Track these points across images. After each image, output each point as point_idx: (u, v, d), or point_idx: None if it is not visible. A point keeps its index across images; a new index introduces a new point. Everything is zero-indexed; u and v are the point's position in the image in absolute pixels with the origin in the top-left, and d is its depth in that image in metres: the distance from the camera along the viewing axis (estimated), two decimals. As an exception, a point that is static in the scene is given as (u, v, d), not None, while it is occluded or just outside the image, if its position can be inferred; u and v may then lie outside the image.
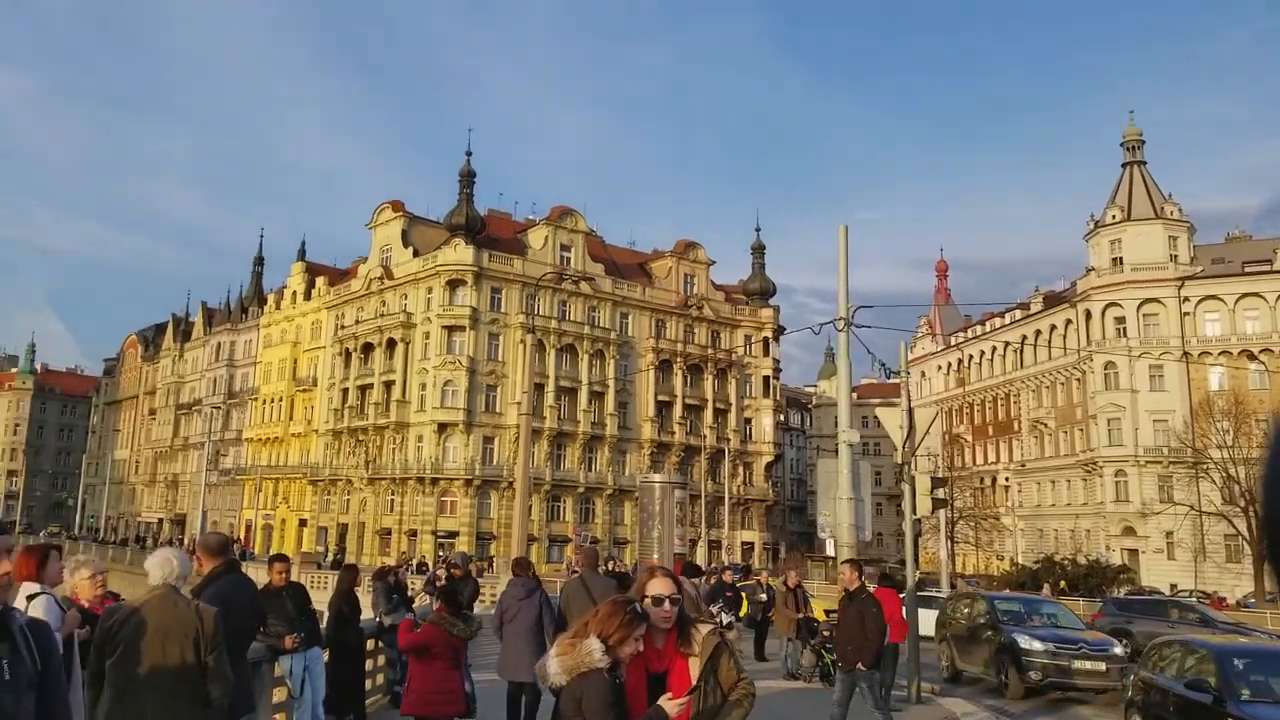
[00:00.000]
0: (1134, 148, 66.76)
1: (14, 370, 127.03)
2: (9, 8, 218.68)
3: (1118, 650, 15.19)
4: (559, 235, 66.81)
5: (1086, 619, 20.86)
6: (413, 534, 60.36)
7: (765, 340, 74.34)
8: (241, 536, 70.52)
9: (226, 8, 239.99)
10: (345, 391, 67.90)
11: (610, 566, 21.73)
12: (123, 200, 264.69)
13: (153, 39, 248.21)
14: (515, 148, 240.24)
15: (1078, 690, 14.95)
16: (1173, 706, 9.05)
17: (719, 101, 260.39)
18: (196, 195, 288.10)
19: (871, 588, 11.49)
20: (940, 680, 16.14)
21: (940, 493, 17.13)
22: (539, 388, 59.39)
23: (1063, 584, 44.45)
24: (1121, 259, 64.03)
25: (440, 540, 58.31)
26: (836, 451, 14.39)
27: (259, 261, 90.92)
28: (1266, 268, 61.50)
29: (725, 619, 14.19)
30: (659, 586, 3.58)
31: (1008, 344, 75.61)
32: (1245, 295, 60.92)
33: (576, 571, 9.73)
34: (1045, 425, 70.13)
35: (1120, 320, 63.23)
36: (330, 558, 57.30)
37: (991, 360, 78.77)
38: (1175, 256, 63.46)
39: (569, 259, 66.14)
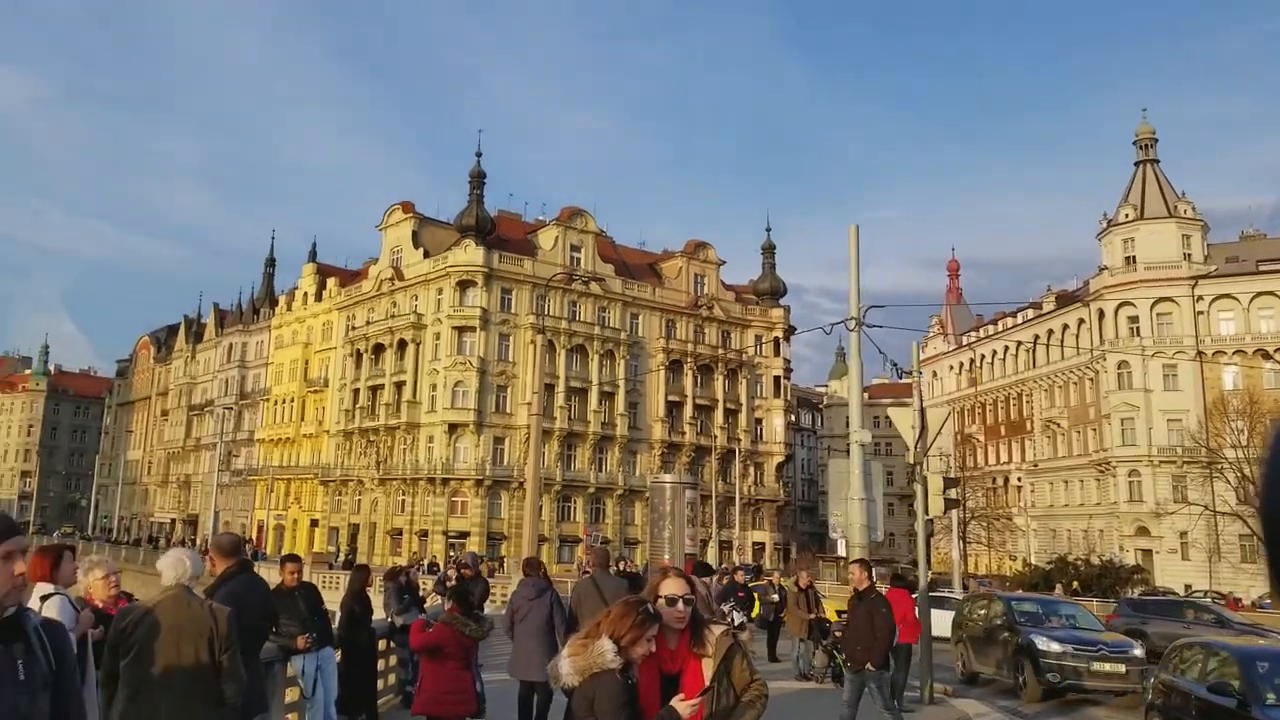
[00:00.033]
0: (1146, 146, 66.37)
1: (28, 372, 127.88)
2: (18, 10, 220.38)
3: (1137, 652, 14.96)
4: (569, 236, 66.88)
5: (1101, 620, 20.70)
6: (424, 534, 60.52)
7: (776, 340, 74.23)
8: (253, 537, 70.80)
9: (234, 9, 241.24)
10: (356, 392, 68.13)
11: (621, 567, 21.72)
12: (135, 202, 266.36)
13: (162, 41, 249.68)
14: (525, 149, 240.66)
15: (1096, 693, 14.74)
16: (1195, 710, 8.89)
17: (728, 101, 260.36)
18: (208, 197, 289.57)
19: (884, 588, 11.44)
20: (957, 682, 16.05)
21: (952, 493, 17.04)
22: (549, 388, 59.47)
23: (1075, 584, 44.23)
24: (1134, 258, 63.67)
25: (451, 540, 58.44)
26: (848, 452, 14.35)
27: (270, 263, 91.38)
28: (1281, 266, 61.10)
29: (737, 619, 14.16)
30: (673, 587, 3.57)
31: (1020, 343, 75.29)
32: (1260, 294, 60.49)
33: (588, 572, 9.73)
34: (1058, 425, 69.81)
35: (1133, 319, 62.89)
36: (342, 558, 57.52)
37: (1004, 360, 78.46)
38: (1189, 255, 63.07)
39: (579, 259, 66.19)
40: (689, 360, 69.35)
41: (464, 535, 59.27)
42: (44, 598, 4.52)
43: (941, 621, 18.48)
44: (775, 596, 19.48)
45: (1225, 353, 60.21)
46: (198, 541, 67.35)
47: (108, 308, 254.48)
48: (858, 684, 10.23)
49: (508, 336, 63.12)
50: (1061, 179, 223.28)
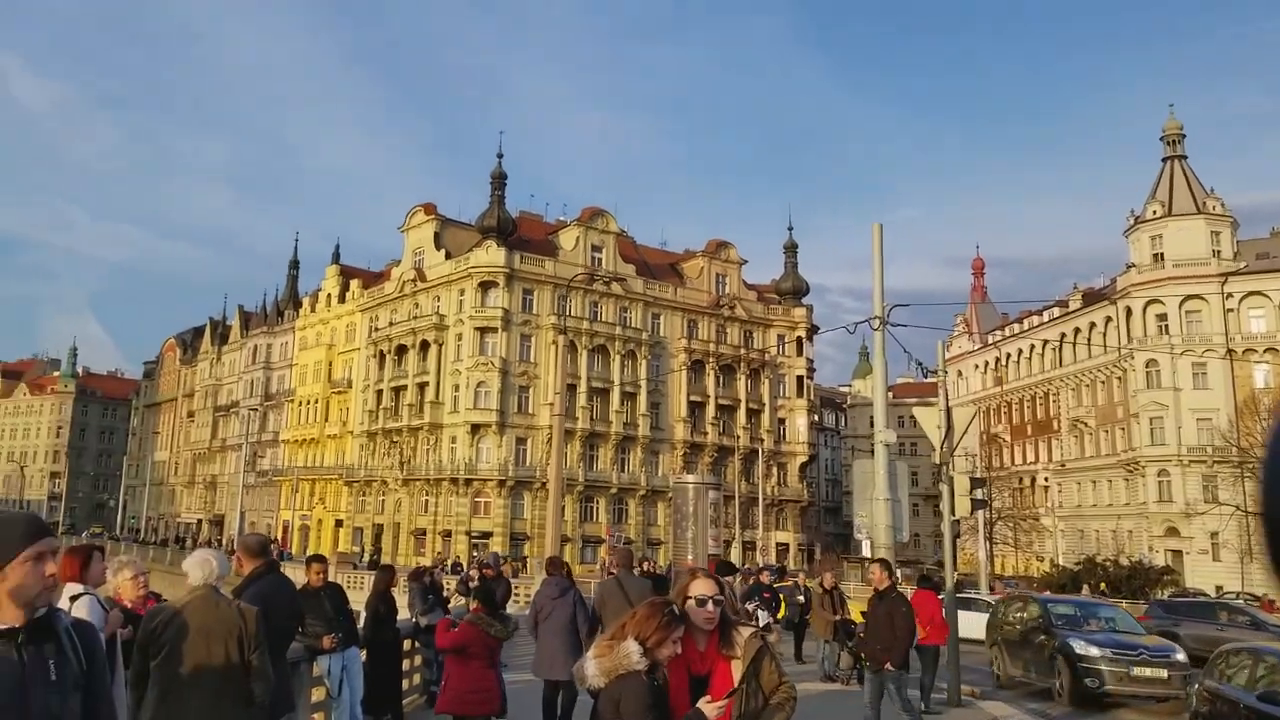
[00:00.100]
0: (1174, 142, 65.53)
1: (56, 374, 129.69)
2: (43, 16, 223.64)
3: (1179, 657, 14.39)
4: (590, 236, 66.96)
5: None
6: (447, 534, 60.77)
7: (799, 340, 73.95)
8: (279, 537, 71.40)
9: (258, 14, 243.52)
10: (379, 393, 68.55)
11: (645, 567, 21.69)
12: (160, 206, 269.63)
13: (187, 47, 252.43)
14: (546, 150, 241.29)
15: (1137, 699, 14.23)
16: (1243, 719, 8.69)
17: (749, 100, 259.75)
18: (232, 200, 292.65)
19: (911, 589, 11.35)
20: (993, 686, 15.79)
21: (979, 493, 16.87)
22: (571, 389, 59.55)
23: (1103, 586, 43.67)
24: (1163, 255, 62.90)
25: (474, 541, 58.66)
26: (872, 452, 14.25)
27: (294, 265, 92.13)
28: (1313, 263, 60.16)
29: (762, 618, 14.10)
30: (702, 587, 3.54)
31: (1046, 342, 74.54)
32: (1291, 291, 59.60)
33: (612, 572, 9.71)
34: (1085, 424, 69.08)
35: (1162, 317, 62.17)
36: (366, 558, 57.85)
37: (1030, 359, 77.76)
38: (1218, 252, 62.22)
39: (600, 260, 66.25)
40: (711, 360, 69.21)
41: (487, 535, 59.47)
42: (73, 598, 4.55)
43: (967, 623, 18.28)
44: (801, 598, 19.37)
45: (1256, 350, 59.37)
46: (224, 542, 68.07)
47: (134, 310, 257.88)
48: (877, 684, 10.17)
49: (529, 337, 63.29)
50: (1088, 176, 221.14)
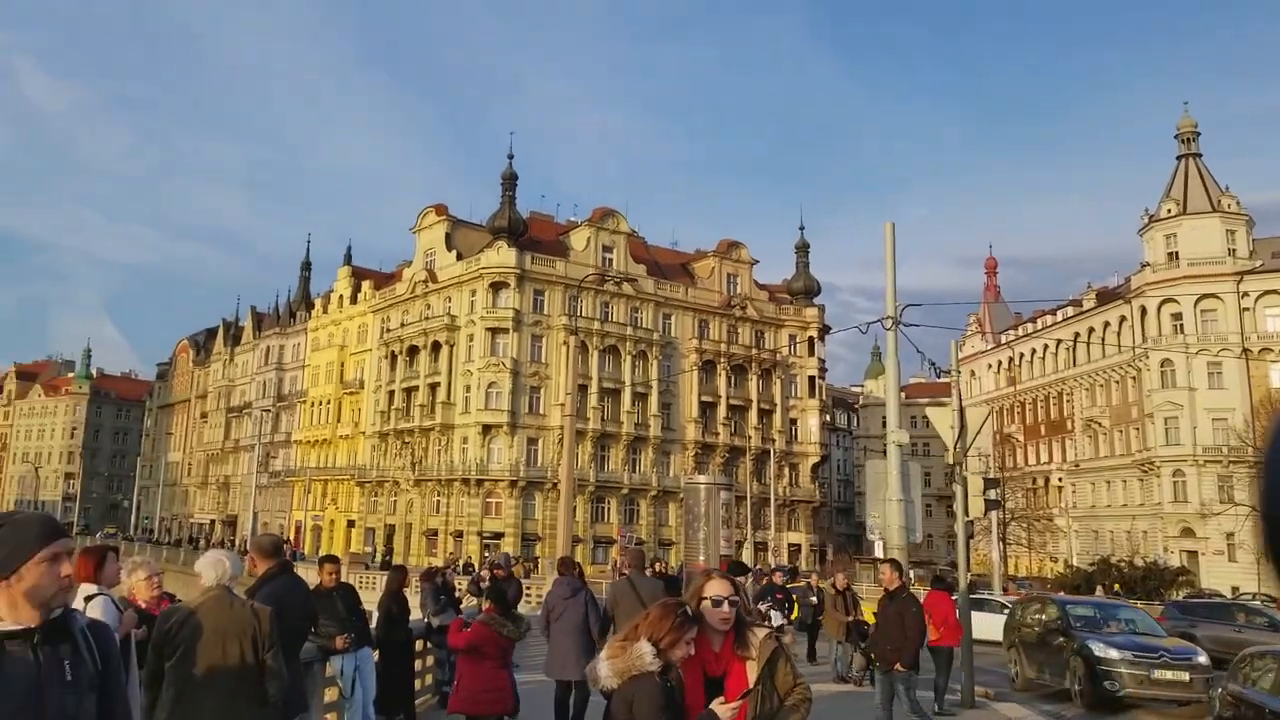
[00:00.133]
0: (1188, 140, 65.10)
1: (71, 375, 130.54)
2: (59, 19, 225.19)
3: (1201, 659, 14.06)
4: (601, 236, 66.98)
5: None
6: (458, 535, 60.87)
7: (810, 340, 73.78)
8: (291, 537, 71.70)
9: (270, 17, 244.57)
10: (391, 394, 68.72)
11: (656, 568, 21.67)
12: (174, 208, 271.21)
13: (200, 49, 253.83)
14: (557, 150, 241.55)
15: (1158, 702, 13.91)
16: None
17: (759, 100, 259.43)
18: (245, 202, 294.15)
19: (925, 590, 11.32)
20: (1010, 689, 15.63)
21: (992, 494, 16.78)
22: (582, 389, 59.55)
23: (1117, 587, 43.43)
24: (1177, 254, 62.50)
25: (486, 541, 58.75)
26: (885, 452, 14.18)
27: (306, 266, 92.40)
28: (1330, 261, 59.65)
29: (775, 618, 14.06)
30: (717, 588, 3.52)
31: (1059, 341, 74.15)
32: (1308, 290, 59.13)
33: (624, 573, 9.70)
34: (1099, 424, 68.70)
35: (1177, 316, 61.78)
36: (378, 559, 58.02)
37: (1043, 358, 77.39)
38: (1233, 251, 61.77)
39: (611, 260, 66.26)
40: (722, 360, 69.13)
41: (498, 536, 59.54)
42: (88, 598, 4.57)
43: (981, 624, 18.16)
44: (814, 599, 19.31)
45: (1272, 350, 58.94)
46: (237, 542, 68.43)
47: (148, 312, 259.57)
48: (888, 684, 10.14)
49: (540, 338, 63.36)
50: (1102, 175, 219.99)
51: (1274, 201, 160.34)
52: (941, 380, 23.47)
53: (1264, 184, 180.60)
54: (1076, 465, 70.60)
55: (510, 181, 64.51)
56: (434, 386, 64.89)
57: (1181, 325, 61.16)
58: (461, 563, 47.16)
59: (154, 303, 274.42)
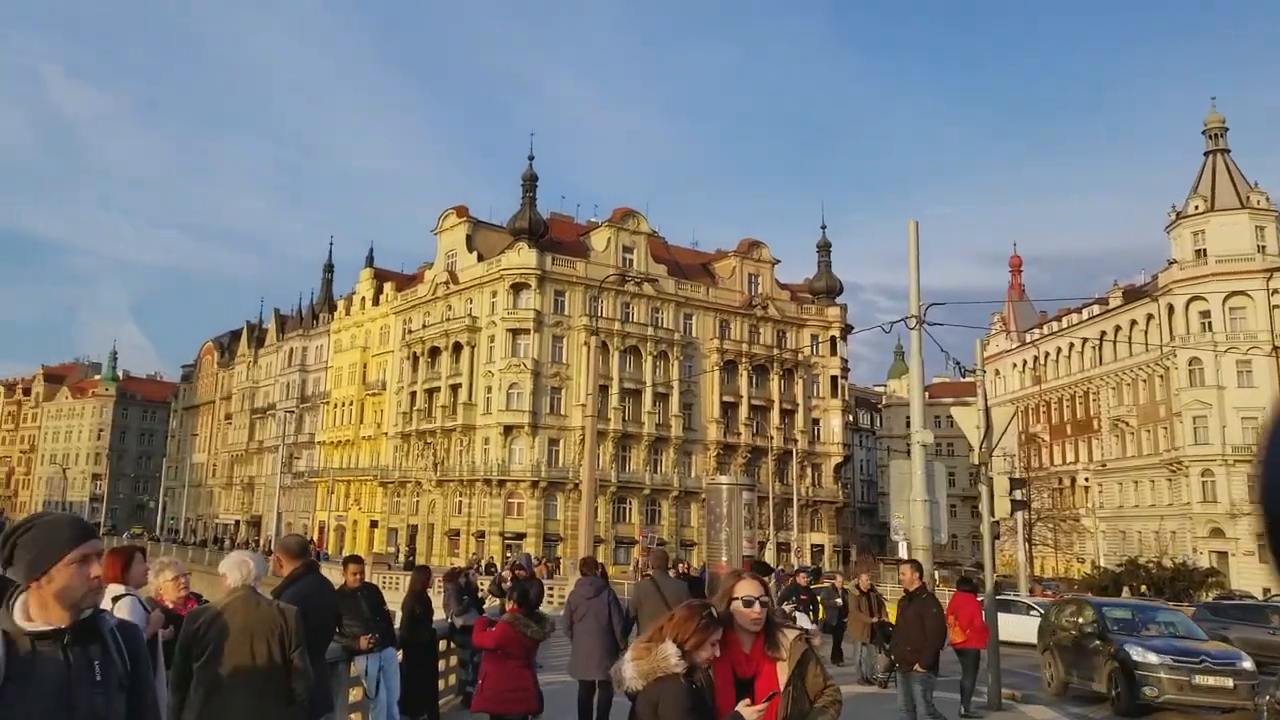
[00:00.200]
0: (1216, 135, 64.30)
1: (97, 378, 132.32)
2: (85, 26, 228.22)
3: (1246, 665, 13.37)
4: (621, 237, 67.03)
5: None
6: (480, 535, 61.11)
7: (832, 339, 73.49)
8: (315, 538, 72.27)
9: (291, 21, 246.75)
10: (413, 395, 69.10)
11: (679, 569, 21.63)
12: (198, 212, 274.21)
13: (222, 53, 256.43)
14: (577, 151, 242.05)
15: (1200, 709, 13.39)
16: None
17: (780, 98, 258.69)
18: (268, 205, 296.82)
19: (950, 592, 11.22)
20: (1049, 695, 15.41)
21: (1018, 494, 16.61)
22: (603, 390, 59.60)
23: (1144, 588, 42.94)
24: (1205, 250, 61.76)
25: (508, 542, 58.92)
26: (909, 452, 14.08)
27: (329, 269, 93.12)
28: (1362, 257, 58.71)
29: (800, 619, 13.99)
30: (748, 588, 3.50)
31: (1086, 340, 73.42)
32: (1340, 286, 58.24)
33: (648, 574, 9.68)
34: (1127, 424, 67.98)
35: (1205, 314, 61.07)
36: (401, 559, 58.32)
37: (1069, 357, 76.69)
38: (1263, 247, 60.97)
39: (631, 260, 66.29)
40: (744, 360, 68.98)
41: (520, 536, 59.71)
42: (115, 599, 4.60)
43: (1007, 626, 17.99)
44: (839, 600, 19.20)
45: (1303, 347, 58.04)
46: (261, 542, 68.96)
47: (172, 315, 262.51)
48: (908, 685, 10.08)
49: (561, 338, 63.48)
50: (1127, 171, 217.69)
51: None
52: (966, 380, 23.26)
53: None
54: (1103, 465, 69.90)
55: (530, 183, 64.72)
56: (455, 387, 65.18)
57: (1210, 323, 60.46)
58: (483, 563, 47.38)
59: (179, 305, 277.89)
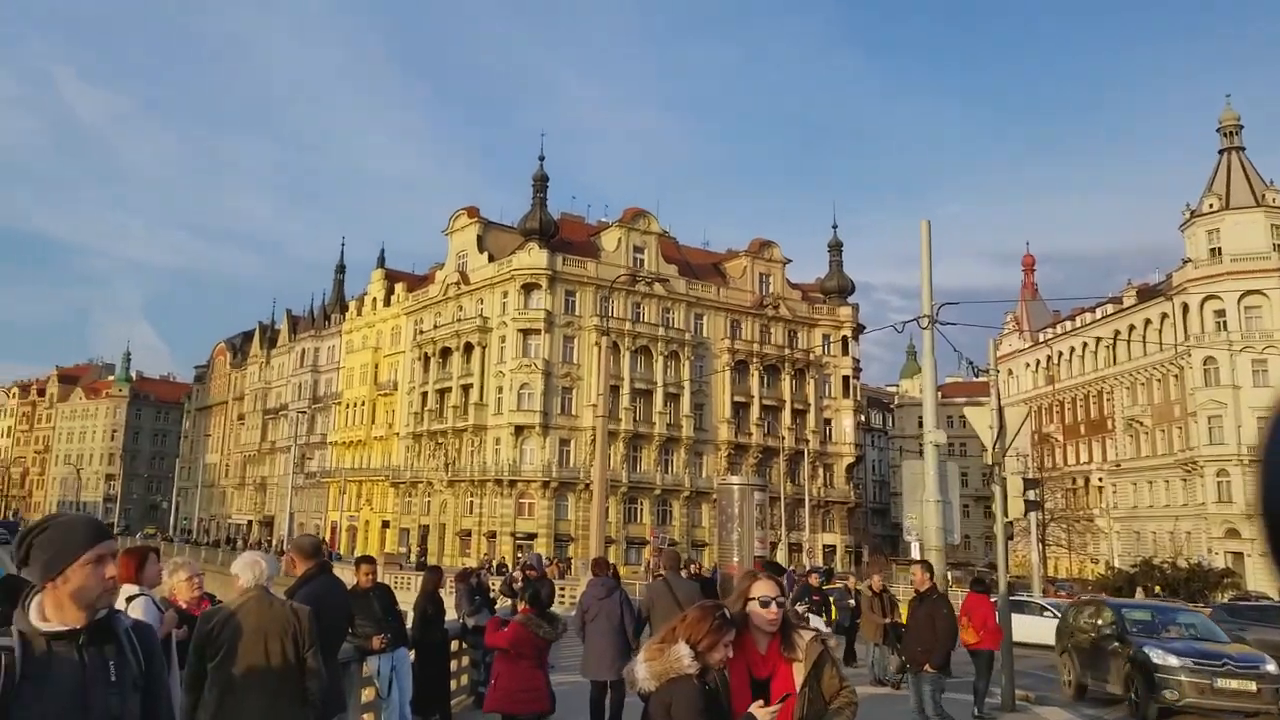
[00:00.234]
0: (1231, 133, 63.85)
1: (111, 379, 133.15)
2: (98, 29, 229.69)
3: (1270, 668, 12.95)
4: (632, 237, 67.02)
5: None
6: (492, 535, 61.20)
7: (844, 339, 73.31)
8: (327, 538, 72.46)
9: (303, 22, 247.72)
10: (425, 395, 69.25)
11: (691, 569, 21.58)
12: (210, 213, 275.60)
13: (235, 55, 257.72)
14: (587, 151, 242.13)
15: (1221, 713, 13.07)
16: None
17: (790, 98, 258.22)
18: (279, 206, 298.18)
19: (963, 592, 11.17)
20: (1062, 694, 15.33)
21: (1032, 494, 16.57)
22: (614, 390, 59.62)
23: (1158, 589, 42.63)
24: (1220, 249, 61.37)
25: (519, 542, 58.98)
26: (922, 452, 14.02)
27: (340, 269, 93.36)
28: (1379, 255, 58.18)
29: (814, 621, 13.96)
30: (765, 589, 3.49)
31: (1099, 339, 73.02)
32: (1356, 285, 57.75)
33: (660, 574, 9.67)
34: (1141, 424, 67.57)
35: (1220, 313, 60.67)
36: (413, 559, 58.46)
37: (1082, 356, 76.30)
38: (1278, 246, 60.53)
39: (642, 260, 66.28)
40: (755, 360, 68.87)
41: (531, 537, 59.76)
42: (129, 599, 4.61)
43: (1020, 627, 17.85)
44: (852, 601, 19.13)
45: (1319, 347, 57.58)
46: (273, 542, 69.26)
47: (185, 315, 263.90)
48: (919, 686, 10.04)
49: (572, 339, 63.51)
50: (1127, 171, 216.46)
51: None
52: (979, 379, 23.16)
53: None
54: (1117, 465, 69.51)
55: (541, 183, 64.77)
56: (466, 388, 65.29)
57: (1225, 322, 60.08)
58: (495, 563, 47.39)
59: (191, 306, 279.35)
